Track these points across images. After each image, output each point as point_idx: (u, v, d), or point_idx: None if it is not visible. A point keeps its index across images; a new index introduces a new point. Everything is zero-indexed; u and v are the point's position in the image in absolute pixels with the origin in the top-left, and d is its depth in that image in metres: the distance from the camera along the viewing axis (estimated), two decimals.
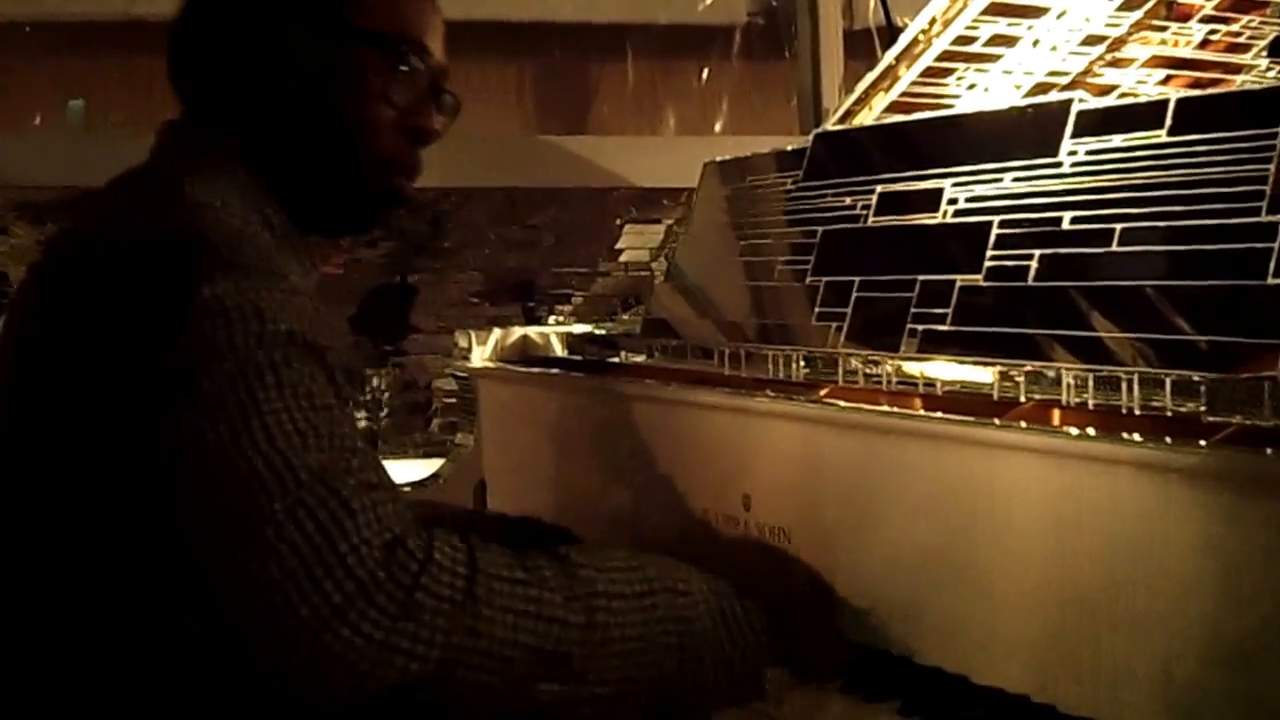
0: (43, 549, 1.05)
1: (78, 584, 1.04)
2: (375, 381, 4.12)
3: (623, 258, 2.17)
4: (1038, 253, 1.26)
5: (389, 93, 1.19)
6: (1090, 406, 1.16)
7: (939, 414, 1.23)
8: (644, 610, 1.00)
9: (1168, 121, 1.20)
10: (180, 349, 0.98)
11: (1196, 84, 1.67)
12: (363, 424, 4.06)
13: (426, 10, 1.25)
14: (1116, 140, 1.24)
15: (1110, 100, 1.44)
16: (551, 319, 2.11)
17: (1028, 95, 1.70)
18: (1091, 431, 1.09)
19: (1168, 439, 1.03)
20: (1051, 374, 1.19)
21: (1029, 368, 1.21)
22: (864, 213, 1.47)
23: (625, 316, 2.03)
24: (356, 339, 4.10)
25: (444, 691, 0.90)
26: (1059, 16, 1.62)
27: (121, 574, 1.01)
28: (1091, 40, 1.66)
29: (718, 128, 4.15)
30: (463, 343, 1.97)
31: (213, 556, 0.91)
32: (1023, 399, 1.22)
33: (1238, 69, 1.68)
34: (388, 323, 4.24)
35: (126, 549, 1.01)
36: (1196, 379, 1.07)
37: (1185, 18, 1.63)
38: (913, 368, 1.33)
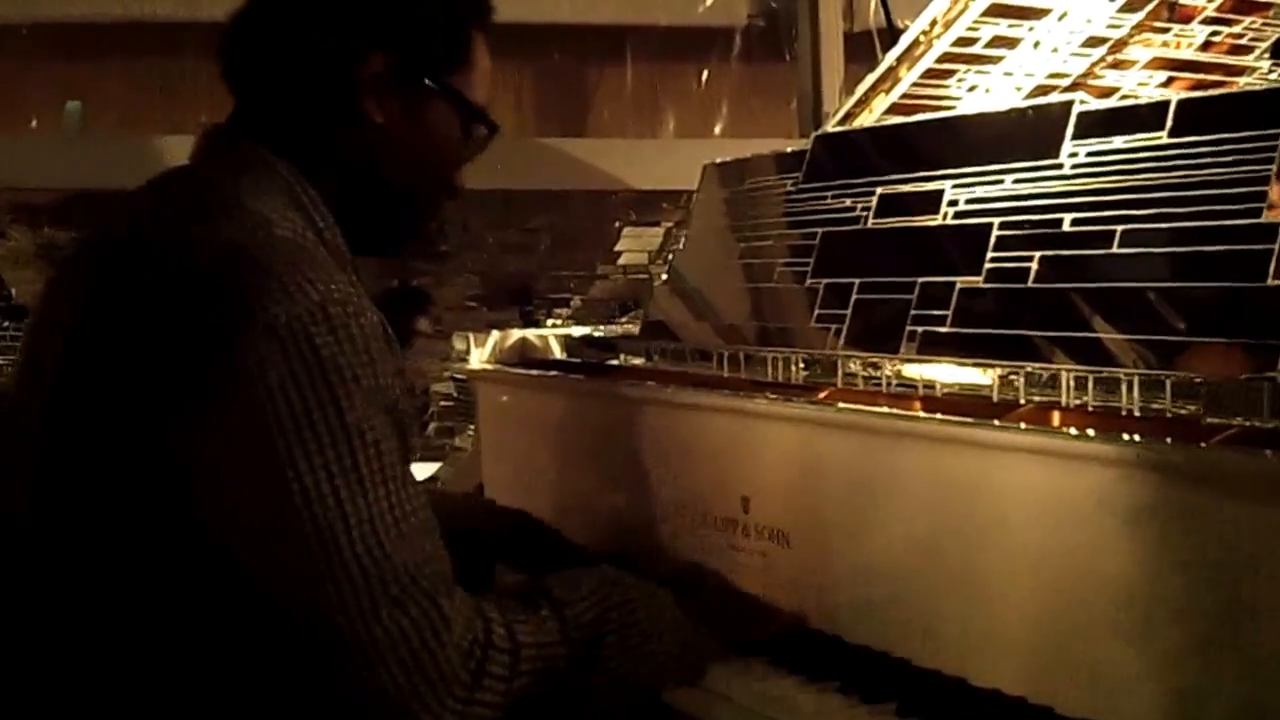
0: (85, 565, 1.05)
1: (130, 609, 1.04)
2: None
3: (621, 260, 2.17)
4: (1038, 254, 1.25)
5: (463, 154, 1.24)
6: (1090, 408, 1.16)
7: (938, 416, 1.22)
8: (608, 625, 1.15)
9: (1169, 123, 1.20)
10: (264, 396, 0.98)
11: (1198, 86, 1.67)
12: None
13: (492, 73, 1.26)
14: (1117, 142, 1.24)
15: (1111, 102, 1.43)
16: (550, 322, 2.11)
17: (1029, 97, 1.69)
18: (1091, 433, 1.09)
19: (1168, 440, 1.03)
20: (1051, 376, 1.19)
21: (1029, 369, 1.21)
22: (864, 214, 1.47)
23: (624, 319, 2.03)
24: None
25: None
26: (1060, 18, 1.62)
27: (181, 610, 1.03)
28: (1093, 42, 1.66)
29: (717, 130, 4.15)
30: (461, 345, 1.97)
31: (313, 634, 0.99)
32: (1022, 401, 1.21)
33: (1240, 71, 1.68)
34: (396, 329, 4.22)
35: (183, 590, 1.02)
36: (1196, 380, 1.06)
37: (1187, 19, 1.63)
38: (912, 370, 1.33)
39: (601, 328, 2.03)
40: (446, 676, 1.00)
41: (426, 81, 1.17)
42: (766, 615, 1.32)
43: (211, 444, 1.00)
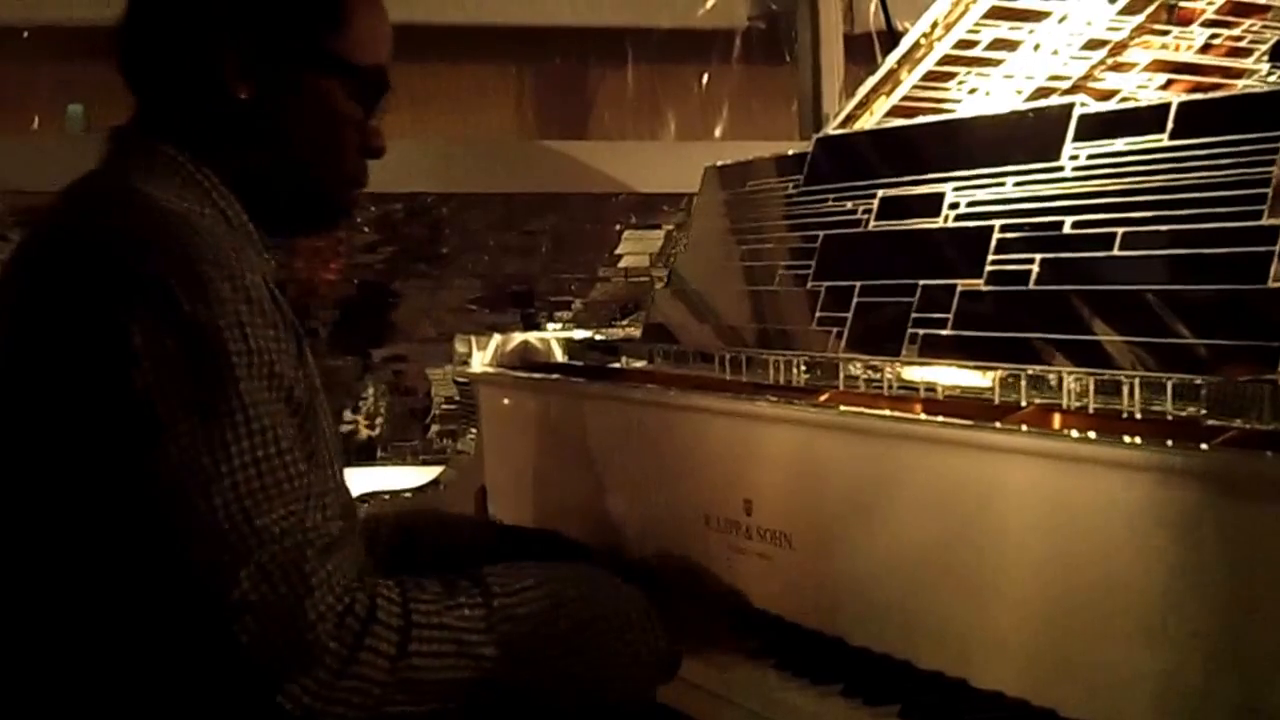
0: (18, 557, 1.05)
1: (48, 595, 1.04)
2: (369, 390, 4.12)
3: (622, 263, 2.17)
4: (1039, 257, 1.26)
5: (359, 120, 1.21)
6: (1091, 410, 1.16)
7: (940, 418, 1.22)
8: (554, 624, 1.10)
9: (1169, 125, 1.20)
10: (136, 368, 0.99)
11: (1198, 88, 1.66)
12: (362, 431, 4.06)
13: (389, 37, 1.25)
14: (1118, 144, 1.24)
15: (1112, 104, 1.44)
16: (550, 326, 2.11)
17: (1029, 100, 1.69)
18: (1092, 435, 1.09)
19: (1169, 443, 1.03)
20: (1052, 378, 1.19)
21: (1030, 372, 1.21)
22: (865, 217, 1.47)
23: (625, 322, 2.03)
24: (342, 347, 4.11)
25: None
26: (1060, 21, 1.62)
27: (90, 587, 1.03)
28: (1093, 45, 1.66)
29: (718, 133, 4.15)
30: (462, 348, 1.97)
31: (177, 601, 0.99)
32: (1023, 403, 1.21)
33: (1239, 73, 1.68)
34: (370, 325, 4.24)
35: (94, 569, 1.02)
36: (1197, 382, 1.07)
37: (1186, 22, 1.63)
38: (913, 372, 1.33)
39: (603, 330, 2.03)
40: (310, 644, 0.97)
41: (290, 53, 1.15)
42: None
43: (90, 410, 1.00)
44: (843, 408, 1.33)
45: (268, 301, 1.05)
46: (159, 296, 1.00)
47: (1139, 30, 1.64)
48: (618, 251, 2.20)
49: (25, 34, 2.83)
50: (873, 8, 3.29)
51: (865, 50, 3.25)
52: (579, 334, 2.01)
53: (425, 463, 2.10)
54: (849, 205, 1.50)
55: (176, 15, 1.16)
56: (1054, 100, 1.46)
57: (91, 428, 1.00)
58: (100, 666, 1.03)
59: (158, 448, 0.98)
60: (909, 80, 1.66)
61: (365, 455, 3.89)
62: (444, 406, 2.02)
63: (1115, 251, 1.19)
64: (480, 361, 1.95)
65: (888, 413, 1.29)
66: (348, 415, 4.04)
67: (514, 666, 1.07)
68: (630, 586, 1.21)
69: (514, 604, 1.08)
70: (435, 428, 2.05)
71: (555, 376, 1.81)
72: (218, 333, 1.00)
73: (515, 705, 1.08)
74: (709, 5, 3.93)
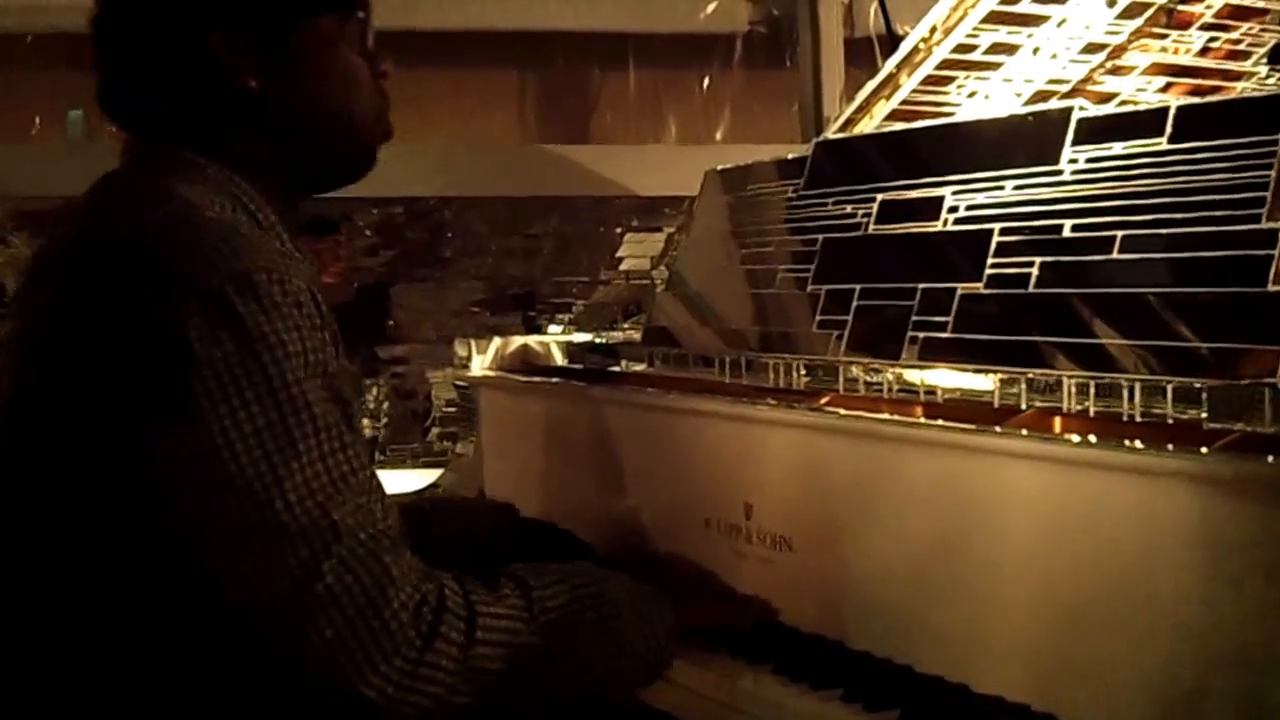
0: (49, 561, 1.06)
1: (86, 600, 1.05)
2: (373, 391, 4.12)
3: (623, 266, 2.17)
4: (1038, 260, 1.26)
5: (360, 47, 1.20)
6: (1091, 414, 1.16)
7: (940, 422, 1.22)
8: (578, 614, 1.14)
9: (1168, 129, 1.20)
10: (198, 377, 0.99)
11: (1197, 91, 1.67)
12: (368, 433, 4.07)
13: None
14: (1117, 148, 1.24)
15: (1111, 108, 1.44)
16: (551, 328, 2.11)
17: (1028, 103, 1.69)
18: (1093, 439, 1.08)
19: (1169, 446, 1.03)
20: (1052, 381, 1.19)
21: (1030, 375, 1.21)
22: (865, 221, 1.47)
23: (626, 325, 2.03)
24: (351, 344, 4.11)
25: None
26: (1059, 24, 1.62)
27: (135, 593, 1.03)
28: (1091, 48, 1.66)
29: (719, 136, 4.16)
30: (462, 351, 1.97)
31: (255, 600, 1.00)
32: (1024, 406, 1.21)
33: (1238, 76, 1.68)
34: (369, 328, 4.24)
35: (141, 572, 1.03)
36: (1198, 386, 1.07)
37: (1185, 25, 1.63)
38: (913, 376, 1.33)
39: (603, 333, 2.03)
40: (394, 635, 0.99)
41: (269, 21, 1.15)
42: (745, 605, 1.34)
43: (147, 418, 1.01)
44: (842, 411, 1.33)
45: (312, 305, 1.06)
46: (216, 304, 1.00)
47: (1138, 34, 1.64)
48: (619, 254, 2.20)
49: (28, 39, 2.84)
50: (872, 12, 3.29)
51: (865, 54, 3.26)
52: (579, 337, 2.01)
53: (425, 465, 2.10)
54: (849, 209, 1.50)
55: (150, 26, 1.15)
56: (1053, 104, 1.46)
57: (154, 438, 1.00)
58: (155, 669, 1.04)
59: (226, 452, 0.99)
60: (908, 84, 1.66)
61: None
62: (444, 409, 2.02)
63: (1115, 254, 1.19)
64: (480, 364, 1.95)
65: (887, 416, 1.29)
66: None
67: (550, 657, 1.10)
68: (638, 583, 1.23)
69: (548, 596, 1.12)
70: (436, 430, 2.05)
71: (555, 380, 1.81)
72: (275, 336, 1.01)
73: (545, 695, 1.12)
74: (710, 9, 3.94)
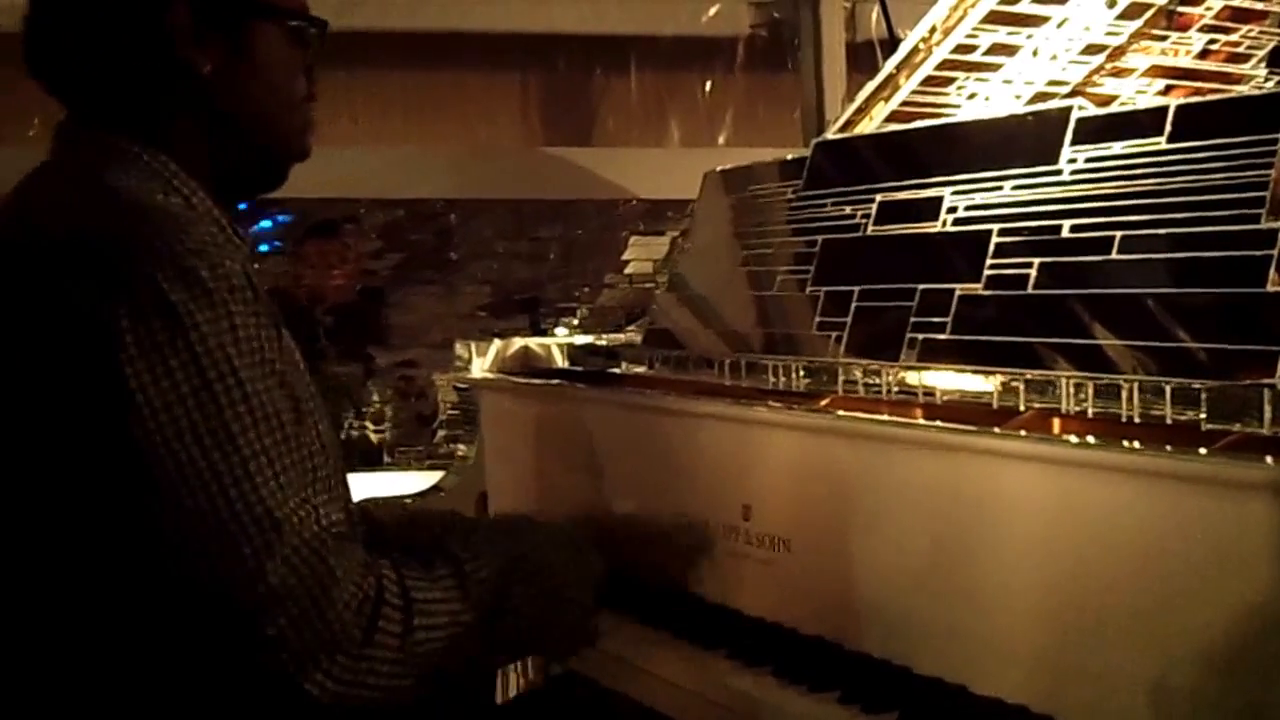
0: (15, 555, 1.05)
1: (47, 590, 1.04)
2: (374, 395, 4.12)
3: (628, 270, 2.17)
4: (1037, 261, 1.25)
5: (302, 66, 1.21)
6: (1090, 415, 1.15)
7: (939, 423, 1.22)
8: (509, 578, 1.16)
9: (1167, 128, 1.20)
10: (131, 369, 0.98)
11: (1197, 94, 1.66)
12: (372, 437, 4.06)
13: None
14: (1116, 148, 1.24)
15: (1110, 107, 1.43)
16: (558, 330, 2.11)
17: (1028, 104, 1.69)
18: (1091, 440, 1.08)
19: (1168, 447, 1.03)
20: (1051, 382, 1.19)
21: (1029, 376, 1.21)
22: (864, 222, 1.47)
23: (631, 328, 2.03)
24: (343, 353, 4.11)
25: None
26: (1059, 26, 1.62)
27: (95, 582, 1.02)
28: (1091, 50, 1.66)
29: (722, 140, 4.16)
30: (463, 353, 1.97)
31: (201, 595, 0.99)
32: (1022, 407, 1.21)
33: (1237, 79, 1.67)
34: (364, 326, 4.25)
35: (94, 561, 1.02)
36: (1196, 386, 1.06)
37: (1185, 27, 1.63)
38: (912, 377, 1.33)
39: (605, 336, 2.02)
40: (336, 633, 0.99)
41: (235, 12, 1.14)
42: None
43: (82, 415, 0.99)
44: (840, 413, 1.33)
45: (249, 288, 1.04)
46: (147, 292, 0.99)
47: (1138, 35, 1.64)
48: (624, 257, 2.20)
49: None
50: (874, 15, 3.29)
51: (868, 58, 3.25)
52: (580, 339, 2.00)
53: (431, 467, 2.09)
54: (848, 210, 1.50)
55: (107, 6, 1.12)
56: (1052, 104, 1.46)
57: (91, 432, 0.99)
58: (112, 666, 1.03)
59: (164, 446, 0.97)
60: (908, 85, 1.66)
61: (372, 460, 3.90)
62: (450, 411, 2.01)
63: (1114, 255, 1.19)
64: (480, 367, 1.95)
65: (885, 418, 1.29)
66: (354, 420, 4.05)
67: (487, 626, 1.12)
68: (567, 535, 1.26)
69: (479, 566, 1.13)
70: (442, 432, 2.05)
71: (555, 382, 1.81)
72: (210, 325, 1.00)
73: (486, 662, 1.17)
74: (712, 13, 3.94)
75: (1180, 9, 1.61)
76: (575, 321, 2.14)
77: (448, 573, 1.10)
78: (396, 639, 1.03)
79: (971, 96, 1.69)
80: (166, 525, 0.98)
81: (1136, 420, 1.11)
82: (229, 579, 0.97)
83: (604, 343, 1.95)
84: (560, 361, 1.97)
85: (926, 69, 1.64)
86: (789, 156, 1.64)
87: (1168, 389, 1.09)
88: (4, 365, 1.03)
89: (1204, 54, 1.66)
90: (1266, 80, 1.65)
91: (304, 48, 1.21)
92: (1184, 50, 1.65)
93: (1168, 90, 1.69)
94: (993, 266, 1.29)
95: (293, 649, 0.98)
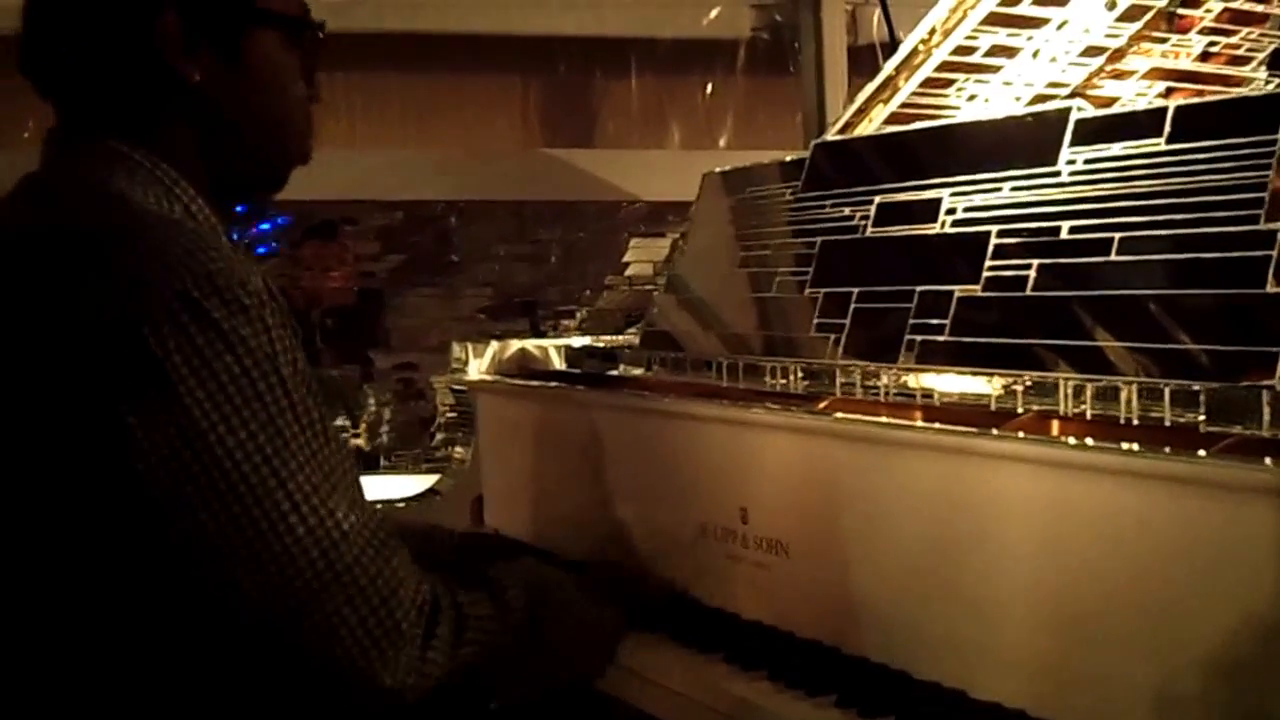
0: (28, 573, 1.03)
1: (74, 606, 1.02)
2: (370, 399, 4.12)
3: (628, 272, 2.17)
4: (1036, 262, 1.25)
5: (302, 71, 1.20)
6: (1089, 416, 1.15)
7: (937, 425, 1.22)
8: (542, 608, 1.20)
9: (1166, 129, 1.19)
10: (184, 388, 0.97)
11: (1197, 96, 1.66)
12: (363, 443, 4.06)
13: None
14: (1115, 149, 1.23)
15: (1109, 109, 1.43)
16: (563, 329, 2.11)
17: (1027, 106, 1.68)
18: (1090, 442, 1.08)
19: (1167, 450, 1.02)
20: (1050, 384, 1.18)
21: (1027, 378, 1.20)
22: (862, 223, 1.46)
23: (631, 330, 2.02)
24: (340, 355, 4.12)
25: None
26: (1059, 27, 1.61)
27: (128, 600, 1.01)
28: (1091, 52, 1.65)
29: (722, 142, 4.16)
30: (460, 355, 1.96)
31: (266, 606, 0.99)
32: (1021, 410, 1.20)
33: (1238, 82, 1.67)
34: (363, 329, 4.25)
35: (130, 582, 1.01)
36: (1196, 388, 1.06)
37: (1185, 30, 1.63)
38: (911, 379, 1.32)
39: (603, 338, 2.02)
40: (405, 634, 1.02)
41: (228, 19, 1.13)
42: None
43: (132, 433, 0.97)
44: (838, 415, 1.32)
45: (275, 302, 1.04)
46: (186, 308, 0.97)
47: (1138, 38, 1.63)
48: (625, 260, 2.19)
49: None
50: (875, 18, 3.29)
51: (869, 61, 3.25)
52: (577, 341, 2.00)
53: (429, 470, 2.09)
54: (847, 211, 1.49)
55: (98, 10, 1.11)
56: (1051, 104, 1.45)
57: (144, 452, 0.97)
58: (151, 679, 1.02)
59: (227, 461, 0.97)
60: (907, 87, 1.66)
61: (369, 464, 3.90)
62: (448, 414, 2.01)
63: (1113, 256, 1.18)
64: (477, 369, 1.94)
65: (884, 420, 1.28)
66: (348, 424, 4.05)
67: (519, 655, 1.15)
68: (579, 578, 1.29)
69: (514, 597, 1.16)
70: (440, 435, 2.04)
71: (552, 384, 1.80)
72: (254, 338, 1.00)
73: (510, 690, 1.18)
74: (713, 15, 3.94)
75: (1180, 11, 1.60)
76: (575, 324, 2.13)
77: (487, 596, 1.13)
78: (450, 647, 1.06)
79: (971, 98, 1.69)
80: (232, 537, 0.97)
81: (1135, 422, 1.11)
82: (301, 584, 0.98)
83: (601, 345, 1.95)
84: (558, 363, 1.96)
85: (926, 70, 1.64)
86: (788, 158, 1.63)
87: (1167, 391, 1.08)
88: (19, 371, 1.01)
89: (1204, 56, 1.65)
90: (1267, 83, 1.65)
91: (301, 50, 1.19)
92: (1184, 53, 1.65)
93: (1168, 93, 1.69)
94: (991, 268, 1.29)
95: (367, 652, 1.00)
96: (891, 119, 1.68)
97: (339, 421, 3.97)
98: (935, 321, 1.31)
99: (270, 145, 1.19)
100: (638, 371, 1.74)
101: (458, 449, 1.97)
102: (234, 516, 0.97)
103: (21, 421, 1.01)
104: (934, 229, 1.37)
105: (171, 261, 1.00)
